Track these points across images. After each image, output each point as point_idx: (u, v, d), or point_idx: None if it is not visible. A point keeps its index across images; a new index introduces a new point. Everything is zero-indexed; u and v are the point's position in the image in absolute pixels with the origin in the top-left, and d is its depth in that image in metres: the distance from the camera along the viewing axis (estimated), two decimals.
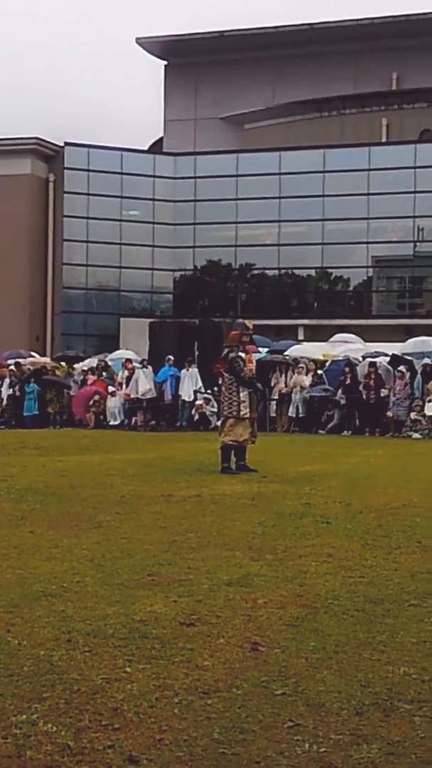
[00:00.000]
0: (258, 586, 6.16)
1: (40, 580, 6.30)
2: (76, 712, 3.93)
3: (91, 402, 26.57)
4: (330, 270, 46.52)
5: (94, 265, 46.33)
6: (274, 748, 3.59)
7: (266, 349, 27.58)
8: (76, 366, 30.16)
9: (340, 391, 23.81)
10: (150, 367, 26.14)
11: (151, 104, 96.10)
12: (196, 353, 26.05)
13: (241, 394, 13.43)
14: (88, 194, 46.05)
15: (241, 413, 13.39)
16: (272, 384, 25.06)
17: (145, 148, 55.04)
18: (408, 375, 23.30)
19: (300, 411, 24.39)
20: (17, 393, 27.53)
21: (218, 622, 5.29)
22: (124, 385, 26.48)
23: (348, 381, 23.66)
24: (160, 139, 55.72)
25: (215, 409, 21.91)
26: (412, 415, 22.54)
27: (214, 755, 3.52)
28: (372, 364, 23.65)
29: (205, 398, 24.61)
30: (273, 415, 25.22)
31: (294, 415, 24.51)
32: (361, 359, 25.58)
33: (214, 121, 53.14)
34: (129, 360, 27.67)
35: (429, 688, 4.24)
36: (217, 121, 53.22)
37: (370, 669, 4.49)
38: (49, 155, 46.92)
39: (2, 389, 27.95)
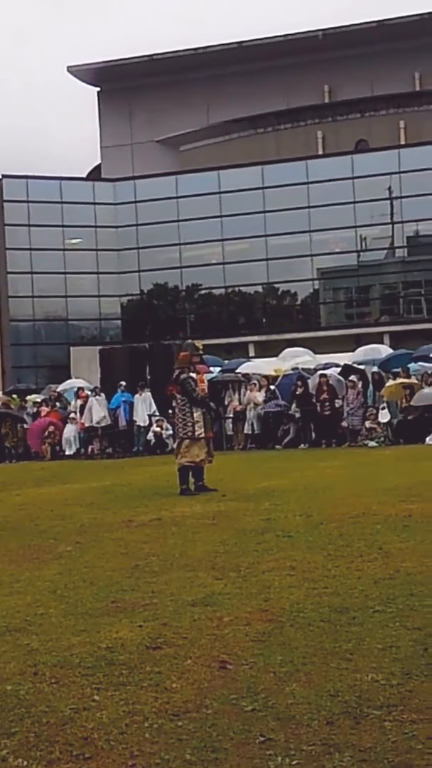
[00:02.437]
0: (223, 604, 6.15)
1: (3, 615, 6.24)
2: (46, 744, 3.90)
3: (46, 433, 26.43)
4: (276, 285, 46.81)
5: (40, 296, 46.21)
6: (247, 764, 3.59)
7: (218, 368, 27.65)
8: (28, 398, 30.01)
9: (293, 405, 23.91)
10: (103, 395, 26.07)
11: (86, 131, 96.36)
12: (148, 377, 26.03)
13: (195, 415, 13.43)
14: (29, 225, 45.95)
15: (196, 433, 13.39)
16: (226, 402, 25.10)
17: (84, 175, 55.12)
18: (360, 384, 23.46)
19: (255, 428, 24.44)
20: None
21: (185, 643, 5.28)
22: (78, 414, 26.37)
23: (300, 394, 23.77)
24: (98, 166, 55.85)
25: (170, 432, 21.89)
26: (367, 423, 22.69)
27: None
28: (323, 376, 23.78)
29: (158, 420, 24.58)
30: (229, 433, 25.25)
31: (250, 432, 24.55)
32: (312, 371, 25.73)
33: (150, 145, 53.38)
34: (81, 389, 27.59)
35: (397, 692, 4.27)
36: (154, 144, 53.46)
37: (338, 678, 4.51)
38: None
39: None
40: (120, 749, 3.81)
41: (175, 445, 14.63)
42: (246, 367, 27.67)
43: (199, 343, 14.67)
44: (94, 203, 47.30)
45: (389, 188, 44.05)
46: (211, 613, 5.92)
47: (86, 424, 25.94)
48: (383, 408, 22.51)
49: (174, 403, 14.47)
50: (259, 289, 46.99)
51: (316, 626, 5.45)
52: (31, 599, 6.73)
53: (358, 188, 44.16)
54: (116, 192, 47.70)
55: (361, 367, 25.13)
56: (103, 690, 4.54)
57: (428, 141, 44.61)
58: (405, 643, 4.98)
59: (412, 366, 24.47)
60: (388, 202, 44.35)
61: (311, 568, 7.12)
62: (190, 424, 13.41)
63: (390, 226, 45.00)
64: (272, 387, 25.08)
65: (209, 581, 6.92)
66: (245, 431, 24.65)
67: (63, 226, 46.28)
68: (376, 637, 5.14)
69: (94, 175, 55.02)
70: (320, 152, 48.73)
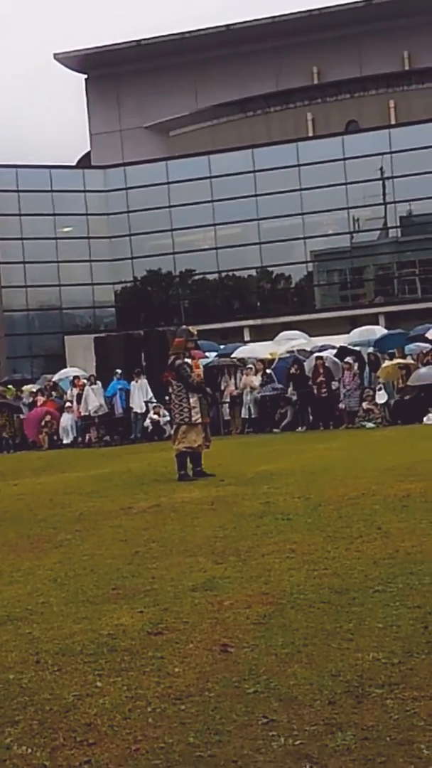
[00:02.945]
0: (223, 588, 6.16)
1: (4, 605, 6.25)
2: (49, 731, 3.91)
3: (43, 423, 26.42)
4: (270, 268, 46.78)
5: (33, 285, 46.16)
6: (250, 745, 3.60)
7: (213, 353, 27.62)
8: (24, 388, 29.98)
9: (290, 388, 23.91)
10: (99, 383, 26.04)
11: (75, 119, 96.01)
12: (144, 364, 25.99)
13: (191, 400, 13.43)
14: (20, 215, 45.87)
15: (193, 419, 13.38)
16: (222, 387, 25.07)
17: (74, 163, 54.97)
18: (356, 366, 23.45)
19: (252, 412, 24.43)
20: None
21: (186, 628, 5.29)
22: (74, 403, 26.35)
23: (297, 377, 23.77)
24: (88, 153, 55.70)
25: (168, 418, 21.89)
26: (364, 404, 22.68)
27: (191, 759, 3.52)
28: (319, 358, 23.76)
29: (155, 407, 24.58)
30: (226, 418, 25.25)
31: (247, 417, 24.55)
32: (308, 354, 25.72)
33: (139, 131, 53.24)
34: (77, 377, 27.55)
35: (399, 671, 4.28)
36: (143, 130, 53.31)
37: (339, 658, 4.52)
38: None
39: None
40: (123, 734, 3.82)
41: (172, 432, 14.63)
42: (241, 351, 27.64)
43: (193, 329, 14.65)
44: (85, 191, 47.21)
45: (381, 168, 44.01)
46: (211, 597, 5.93)
47: (83, 413, 25.93)
48: (380, 389, 22.51)
49: (170, 390, 14.47)
50: (253, 272, 46.97)
51: (316, 607, 5.46)
52: (32, 588, 6.74)
53: (349, 169, 44.10)
54: (106, 179, 47.61)
55: (357, 348, 25.12)
56: (105, 676, 4.56)
57: (419, 120, 44.57)
58: (405, 622, 4.99)
59: (407, 346, 24.46)
60: (380, 182, 44.30)
61: (311, 550, 7.14)
62: (186, 409, 13.40)
63: (383, 206, 44.96)
64: (268, 371, 25.05)
65: (209, 566, 6.93)
66: (242, 416, 24.64)
67: (54, 214, 46.21)
68: (376, 617, 5.15)
69: (84, 162, 54.88)
70: (311, 134, 48.63)
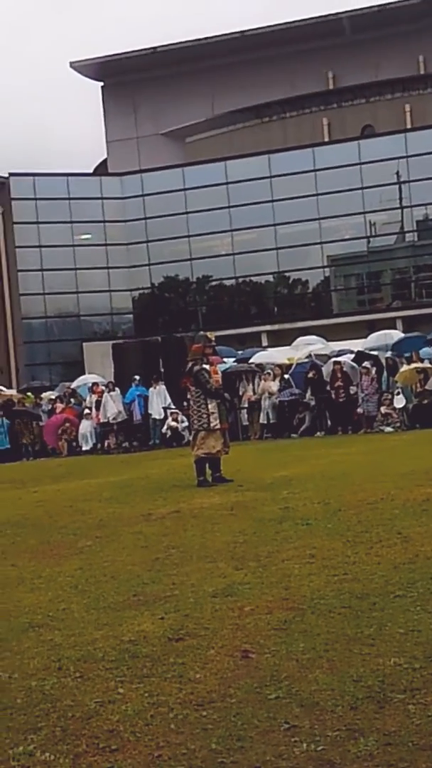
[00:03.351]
0: (243, 594, 6.17)
1: (26, 612, 6.28)
2: (72, 738, 3.93)
3: (61, 430, 26.50)
4: (287, 274, 46.74)
5: (51, 292, 46.28)
6: (272, 751, 3.61)
7: (231, 359, 27.63)
8: (43, 395, 30.07)
9: (308, 393, 23.89)
10: (117, 390, 26.09)
11: (91, 126, 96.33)
12: (162, 370, 26.02)
13: (210, 406, 13.45)
14: (38, 222, 46.01)
15: (212, 425, 13.40)
16: (240, 393, 25.08)
17: (90, 170, 55.13)
18: (374, 370, 23.42)
19: (271, 417, 24.42)
20: None
21: (207, 633, 5.30)
22: (93, 410, 26.41)
23: (315, 382, 23.75)
24: (105, 161, 55.85)
25: (186, 424, 21.90)
26: (383, 409, 22.64)
27: (214, 765, 3.53)
28: (337, 363, 23.74)
29: (173, 413, 24.60)
30: (245, 423, 25.24)
31: (265, 422, 24.54)
32: (326, 359, 25.69)
33: (156, 138, 53.35)
34: (96, 384, 27.61)
35: (420, 676, 4.28)
36: (159, 137, 53.43)
37: (361, 664, 4.52)
38: None
39: None
40: (146, 740, 3.84)
41: (191, 438, 14.65)
42: (259, 357, 27.65)
43: (211, 335, 14.70)
44: (102, 198, 47.33)
45: (397, 173, 43.92)
46: (232, 603, 5.94)
47: (101, 420, 25.99)
48: (398, 393, 22.46)
49: (188, 396, 14.49)
50: (270, 278, 46.95)
51: (337, 613, 5.46)
52: (53, 595, 6.77)
53: (365, 174, 44.02)
54: (123, 186, 47.71)
55: (375, 353, 25.08)
56: (127, 683, 4.57)
57: None
58: (427, 627, 4.99)
59: (425, 350, 24.40)
60: (397, 186, 44.22)
61: (331, 555, 7.14)
62: (205, 415, 13.43)
63: (399, 210, 44.87)
64: (286, 376, 25.05)
65: (229, 571, 6.95)
66: (260, 421, 24.64)
67: (71, 222, 46.33)
68: (397, 622, 5.15)
69: (101, 170, 55.03)
70: (326, 139, 48.59)
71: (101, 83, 55.82)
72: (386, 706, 3.95)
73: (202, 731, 3.88)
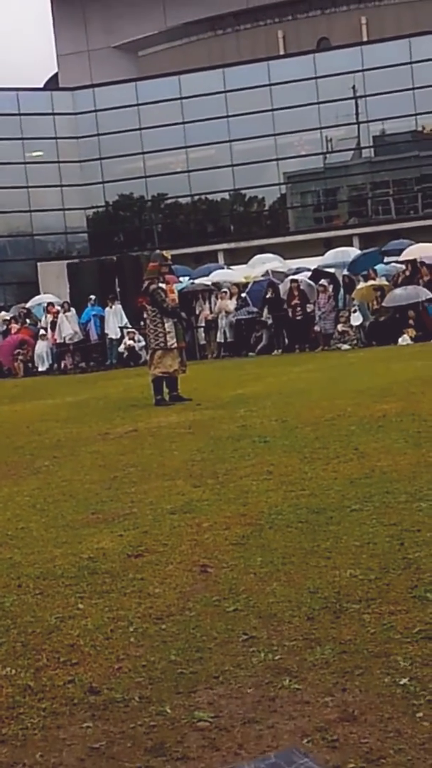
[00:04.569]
0: (202, 510, 6.23)
1: None
2: (33, 653, 3.97)
3: (17, 351, 26.33)
4: (243, 191, 46.31)
5: (3, 211, 45.50)
6: (231, 661, 3.68)
7: (187, 278, 27.49)
8: None
9: (265, 312, 23.89)
10: (73, 310, 25.92)
11: (41, 39, 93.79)
12: (118, 290, 25.86)
13: (166, 325, 13.40)
14: None
15: (168, 344, 13.38)
16: (197, 312, 25.04)
17: (41, 85, 53.83)
18: (331, 288, 23.44)
19: (228, 335, 24.44)
20: None
21: (165, 550, 5.35)
22: (49, 330, 26.25)
23: (272, 300, 23.74)
24: (56, 75, 54.54)
25: (143, 343, 21.86)
26: (339, 326, 22.73)
27: (173, 676, 3.59)
28: (294, 281, 23.72)
29: (129, 332, 24.52)
30: (202, 342, 25.24)
31: (222, 341, 24.56)
32: (283, 277, 25.65)
33: (107, 51, 52.13)
34: (51, 304, 27.40)
35: (375, 587, 4.36)
36: (111, 50, 52.20)
37: (317, 576, 4.59)
38: None
39: None
40: (106, 654, 3.89)
41: (147, 357, 14.63)
42: (216, 275, 27.53)
43: (167, 254, 14.55)
44: (53, 113, 46.32)
45: (353, 87, 43.39)
46: (190, 519, 6.00)
47: (57, 340, 25.85)
48: (355, 311, 22.53)
49: (145, 315, 14.42)
50: (226, 196, 46.52)
51: (294, 527, 5.53)
52: (11, 514, 6.78)
53: (321, 88, 43.46)
54: (75, 101, 46.71)
55: (332, 270, 25.07)
56: (86, 598, 4.61)
57: (391, 37, 43.79)
58: (382, 539, 5.07)
59: (381, 267, 24.43)
60: (353, 101, 43.72)
61: (288, 472, 7.21)
62: (161, 334, 13.39)
63: (356, 126, 44.45)
64: (243, 294, 25.00)
65: (187, 489, 7.00)
66: (218, 340, 24.65)
67: (22, 138, 45.36)
68: (353, 535, 5.23)
69: (52, 84, 53.76)
70: (282, 52, 47.79)
71: None
72: (342, 616, 4.03)
73: (161, 644, 3.93)
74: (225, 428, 9.97)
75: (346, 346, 22.14)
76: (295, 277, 24.45)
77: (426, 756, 2.84)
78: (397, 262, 24.61)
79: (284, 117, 43.78)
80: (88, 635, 4.11)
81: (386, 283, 22.87)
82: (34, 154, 46.08)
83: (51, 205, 46.14)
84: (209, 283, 26.25)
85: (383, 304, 22.02)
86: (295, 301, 23.22)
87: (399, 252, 25.18)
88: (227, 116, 44.48)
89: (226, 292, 24.78)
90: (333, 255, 27.34)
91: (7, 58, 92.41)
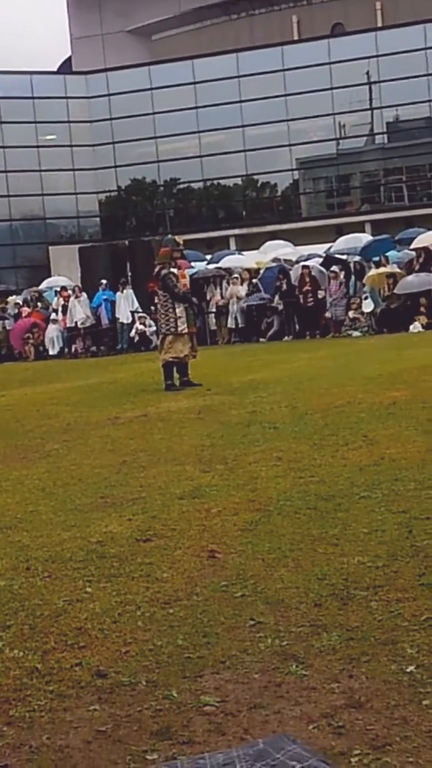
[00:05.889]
0: (210, 496, 6.23)
1: None
2: (41, 635, 3.99)
3: (28, 334, 26.36)
4: (255, 177, 46.19)
5: (15, 195, 45.49)
6: (238, 646, 3.68)
7: (199, 263, 27.45)
8: (9, 299, 29.82)
9: (276, 298, 23.86)
10: (84, 294, 25.92)
11: (55, 23, 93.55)
12: (129, 274, 25.83)
13: (177, 310, 13.39)
14: (1, 122, 44.95)
15: (179, 329, 13.37)
16: (208, 297, 25.01)
17: (55, 69, 53.74)
18: (342, 274, 23.38)
19: (239, 321, 24.42)
20: None
21: (174, 534, 5.36)
22: (60, 313, 26.26)
23: (283, 287, 23.70)
24: (69, 59, 54.43)
25: (154, 328, 21.86)
26: (350, 313, 22.69)
27: (180, 660, 3.60)
28: (305, 267, 23.67)
29: (141, 317, 24.51)
30: (212, 328, 25.23)
31: (233, 326, 24.54)
32: (294, 263, 25.59)
33: (121, 35, 51.98)
34: (64, 288, 27.40)
35: (383, 574, 4.36)
36: (125, 34, 52.05)
37: (325, 562, 4.59)
38: None
39: None
40: (113, 637, 3.90)
41: (158, 342, 14.62)
42: (228, 261, 27.48)
43: (179, 239, 14.54)
44: (67, 97, 46.25)
45: (367, 73, 43.18)
46: (199, 504, 6.00)
47: (68, 324, 25.86)
48: (366, 297, 22.49)
49: (156, 300, 14.41)
50: (238, 181, 46.40)
51: (302, 513, 5.53)
52: (21, 497, 6.80)
53: (335, 74, 43.25)
54: (88, 85, 46.62)
55: (343, 257, 24.99)
56: (95, 582, 4.63)
57: (405, 22, 43.53)
58: (390, 527, 5.07)
59: (393, 254, 24.34)
60: (367, 87, 43.51)
61: (297, 458, 7.20)
62: (172, 319, 13.38)
63: (369, 112, 44.25)
64: (254, 280, 24.96)
65: (197, 474, 7.00)
66: (228, 325, 24.63)
67: (36, 122, 45.32)
68: (361, 522, 5.22)
69: (65, 68, 53.65)
70: (296, 37, 47.54)
71: None
72: (349, 603, 4.03)
73: (168, 628, 3.94)
74: (235, 414, 9.96)
75: (356, 333, 22.09)
76: (307, 263, 24.39)
77: None
78: (408, 249, 24.50)
79: (297, 102, 43.60)
80: (96, 619, 4.12)
81: (398, 270, 22.80)
82: (47, 137, 46.04)
83: (63, 189, 46.12)
84: (221, 267, 26.21)
85: (395, 290, 21.95)
86: (306, 287, 23.17)
87: (411, 242, 25.07)
88: (240, 101, 44.31)
89: (237, 278, 24.74)
90: (344, 241, 27.24)
91: (20, 41, 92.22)
